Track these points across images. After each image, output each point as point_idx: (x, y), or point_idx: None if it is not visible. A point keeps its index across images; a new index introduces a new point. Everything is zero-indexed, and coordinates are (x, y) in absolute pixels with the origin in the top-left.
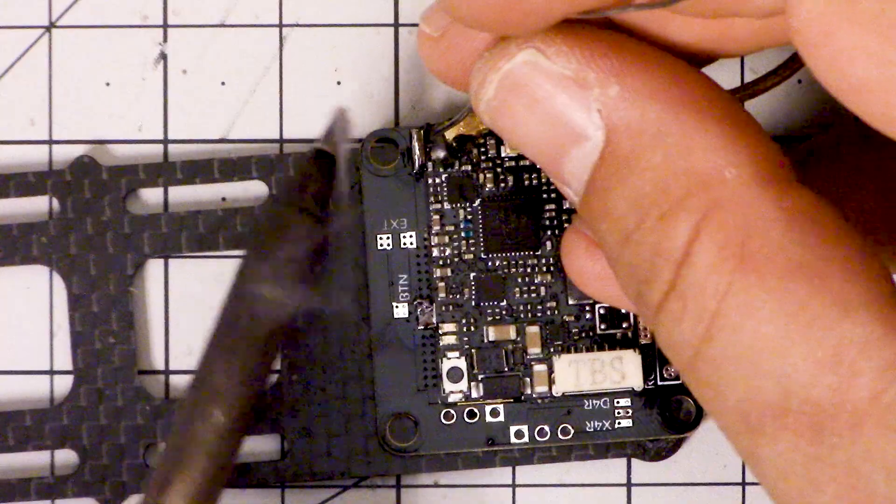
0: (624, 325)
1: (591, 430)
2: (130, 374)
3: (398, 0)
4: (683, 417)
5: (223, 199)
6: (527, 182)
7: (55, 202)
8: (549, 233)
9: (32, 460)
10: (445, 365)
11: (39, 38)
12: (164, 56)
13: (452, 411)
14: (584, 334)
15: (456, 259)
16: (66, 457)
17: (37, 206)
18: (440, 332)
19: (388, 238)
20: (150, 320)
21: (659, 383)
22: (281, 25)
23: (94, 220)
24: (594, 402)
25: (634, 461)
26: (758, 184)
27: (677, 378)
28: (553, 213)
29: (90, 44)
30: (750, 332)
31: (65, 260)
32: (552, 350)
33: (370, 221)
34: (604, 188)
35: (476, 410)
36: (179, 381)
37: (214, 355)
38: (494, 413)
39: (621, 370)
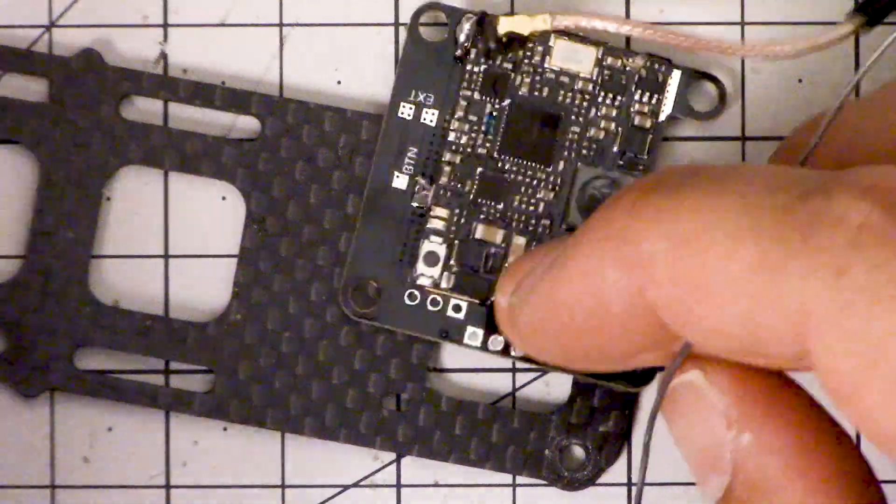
0: None
1: None
2: (82, 274)
3: (398, 0)
4: None
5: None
6: (561, 98)
7: (54, 88)
8: (565, 153)
9: None
10: (425, 247)
11: (39, 38)
12: (164, 55)
13: (417, 293)
14: None
15: (468, 149)
16: None
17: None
18: (430, 214)
19: (410, 108)
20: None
21: None
22: (281, 25)
23: (87, 115)
24: None
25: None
26: None
27: None
28: (576, 137)
29: (90, 43)
30: None
31: (48, 147)
32: None
33: (398, 86)
34: None
35: (440, 300)
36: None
37: None
38: (457, 309)
39: None
